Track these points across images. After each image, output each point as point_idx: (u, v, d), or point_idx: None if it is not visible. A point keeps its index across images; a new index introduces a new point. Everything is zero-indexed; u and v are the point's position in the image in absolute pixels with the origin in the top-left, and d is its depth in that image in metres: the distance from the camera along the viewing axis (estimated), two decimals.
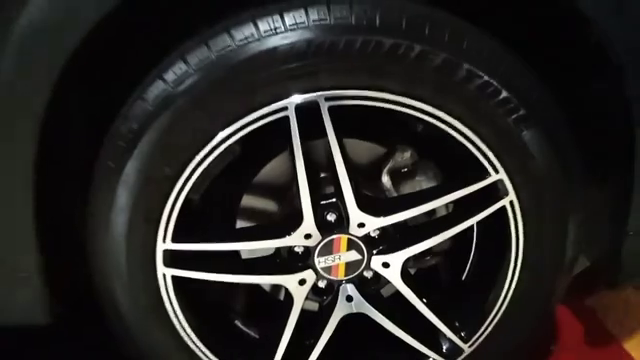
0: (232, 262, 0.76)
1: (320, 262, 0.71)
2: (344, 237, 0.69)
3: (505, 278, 0.73)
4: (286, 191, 0.74)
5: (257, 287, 0.82)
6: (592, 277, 0.89)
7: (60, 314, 0.73)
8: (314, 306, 0.78)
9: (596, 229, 0.79)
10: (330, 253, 0.70)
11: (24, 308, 0.71)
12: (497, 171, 0.66)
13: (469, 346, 0.76)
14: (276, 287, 0.81)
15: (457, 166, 0.72)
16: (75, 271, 0.76)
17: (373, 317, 0.74)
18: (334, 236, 0.69)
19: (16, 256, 0.68)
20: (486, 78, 0.62)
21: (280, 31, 0.59)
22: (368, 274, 0.74)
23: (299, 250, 0.71)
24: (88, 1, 0.57)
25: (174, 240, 0.66)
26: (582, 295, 1.07)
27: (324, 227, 0.69)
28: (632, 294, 1.07)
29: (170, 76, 0.61)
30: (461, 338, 0.76)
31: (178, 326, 0.71)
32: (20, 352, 0.95)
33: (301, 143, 0.63)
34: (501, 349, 0.79)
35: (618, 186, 0.73)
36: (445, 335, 0.76)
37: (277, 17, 0.60)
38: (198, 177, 0.64)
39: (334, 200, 0.68)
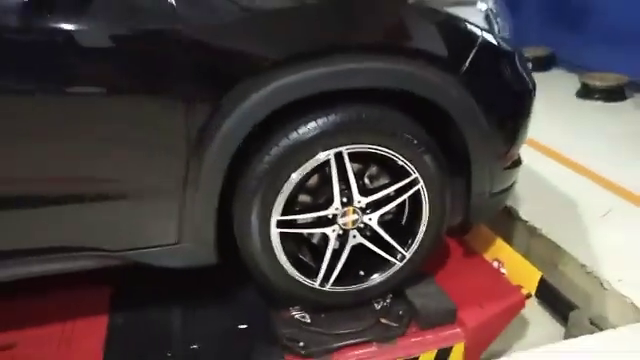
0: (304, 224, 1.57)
1: (341, 220, 1.55)
2: (350, 208, 1.54)
3: (421, 222, 1.60)
4: (324, 188, 1.57)
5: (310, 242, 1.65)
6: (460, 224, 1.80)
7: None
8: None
9: (453, 197, 1.69)
10: (345, 216, 1.55)
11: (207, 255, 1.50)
12: (414, 172, 1.53)
13: (408, 254, 1.64)
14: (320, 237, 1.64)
15: (397, 172, 1.58)
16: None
17: (364, 243, 1.59)
18: (346, 208, 1.53)
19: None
20: (408, 136, 1.49)
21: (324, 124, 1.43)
22: (362, 224, 1.58)
23: (331, 216, 1.54)
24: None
25: (281, 215, 1.48)
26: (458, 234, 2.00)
27: (342, 204, 1.53)
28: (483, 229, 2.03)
29: (284, 143, 1.42)
30: (404, 249, 1.63)
31: (281, 260, 1.53)
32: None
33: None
34: (420, 256, 1.66)
35: (466, 176, 1.64)
36: (397, 249, 1.63)
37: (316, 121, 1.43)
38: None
39: (346, 191, 1.53)
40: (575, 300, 1.96)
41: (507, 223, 2.36)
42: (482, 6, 1.56)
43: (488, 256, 1.93)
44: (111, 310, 1.69)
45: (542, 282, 1.85)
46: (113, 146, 1.33)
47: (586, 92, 3.92)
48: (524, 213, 2.35)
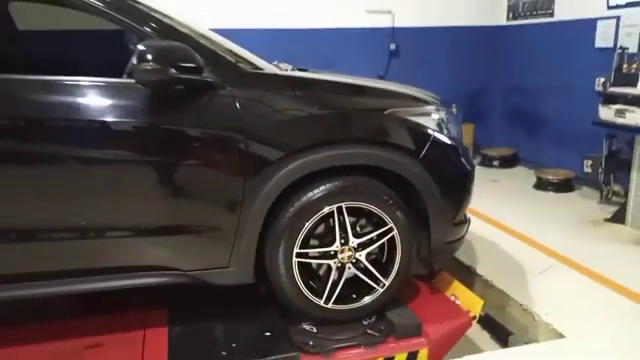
0: (314, 257, 2.25)
1: (340, 255, 2.23)
2: (347, 247, 2.23)
3: (395, 260, 2.29)
4: (328, 232, 2.26)
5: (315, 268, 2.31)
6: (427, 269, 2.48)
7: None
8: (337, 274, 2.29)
9: (422, 245, 2.38)
10: (343, 252, 2.23)
11: (247, 276, 2.17)
12: (390, 222, 2.24)
13: (387, 282, 2.30)
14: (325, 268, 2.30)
15: (378, 222, 2.28)
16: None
17: (356, 273, 2.26)
18: (344, 247, 2.23)
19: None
20: (385, 197, 2.22)
21: (328, 188, 2.17)
22: (354, 259, 2.25)
23: (333, 252, 2.23)
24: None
25: (299, 249, 2.17)
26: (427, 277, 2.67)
27: (341, 244, 2.22)
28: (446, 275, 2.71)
29: (301, 201, 2.14)
30: (384, 279, 2.29)
31: (298, 282, 2.19)
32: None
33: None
34: (396, 283, 2.31)
35: (427, 229, 2.35)
36: (380, 279, 2.29)
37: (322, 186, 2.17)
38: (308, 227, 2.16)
39: (344, 234, 2.23)
40: (514, 329, 2.60)
41: (468, 277, 3.03)
42: (435, 116, 2.36)
43: (448, 292, 2.59)
44: (169, 323, 2.31)
45: (488, 317, 2.50)
46: (195, 200, 2.06)
47: (541, 184, 4.73)
48: (481, 270, 3.04)
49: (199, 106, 2.02)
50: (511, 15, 5.60)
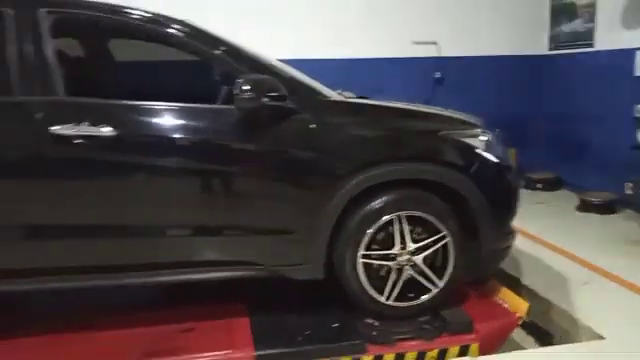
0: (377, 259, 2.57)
1: (399, 258, 2.54)
2: (405, 251, 2.55)
3: (449, 264, 2.59)
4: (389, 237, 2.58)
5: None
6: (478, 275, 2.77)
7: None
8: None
9: (474, 252, 2.68)
10: (402, 256, 2.55)
11: (318, 273, 2.51)
12: (444, 230, 2.55)
13: (441, 284, 2.59)
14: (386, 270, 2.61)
15: (434, 229, 2.58)
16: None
17: (413, 275, 2.57)
18: (403, 250, 2.55)
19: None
20: (440, 208, 2.54)
21: (389, 199, 2.51)
22: (412, 263, 2.56)
23: (393, 255, 2.54)
24: None
25: (364, 251, 2.50)
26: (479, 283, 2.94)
27: (400, 248, 2.54)
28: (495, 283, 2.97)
29: (365, 209, 2.48)
30: (439, 281, 2.59)
31: (363, 280, 2.52)
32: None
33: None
34: (449, 286, 2.61)
35: (477, 237, 2.64)
36: (435, 281, 2.59)
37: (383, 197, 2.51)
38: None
39: (403, 240, 2.54)
40: (557, 334, 2.84)
41: (514, 287, 3.27)
42: (483, 138, 2.68)
43: (496, 297, 2.86)
44: (249, 314, 2.66)
45: (533, 323, 2.74)
46: (278, 207, 2.43)
47: (584, 206, 4.91)
48: (526, 281, 3.28)
49: (282, 128, 2.41)
50: (553, 45, 5.86)
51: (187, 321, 2.60)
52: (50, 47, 2.30)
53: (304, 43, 5.23)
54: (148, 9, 2.49)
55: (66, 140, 2.21)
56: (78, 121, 2.22)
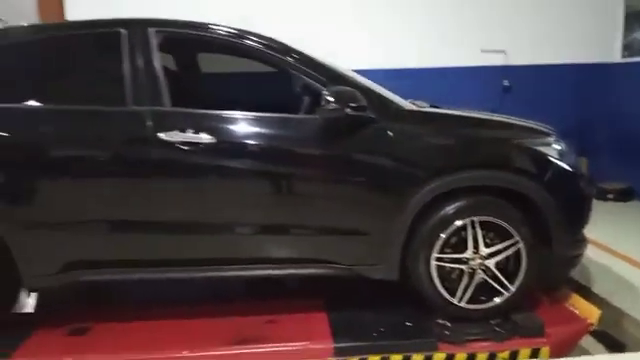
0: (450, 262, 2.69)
1: (471, 262, 2.66)
2: (478, 255, 2.65)
3: (521, 269, 2.67)
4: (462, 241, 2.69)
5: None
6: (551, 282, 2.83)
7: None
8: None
9: (546, 258, 2.74)
10: (474, 260, 2.66)
11: (393, 273, 2.66)
12: (517, 236, 2.64)
13: (513, 288, 2.68)
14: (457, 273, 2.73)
15: (506, 235, 2.67)
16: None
17: (485, 278, 2.67)
18: (475, 255, 2.65)
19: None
20: (512, 214, 2.63)
21: (461, 205, 2.63)
22: (484, 267, 2.66)
23: (465, 259, 2.66)
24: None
25: (438, 254, 2.63)
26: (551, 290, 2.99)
27: (473, 252, 2.65)
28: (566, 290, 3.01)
29: (439, 215, 2.61)
30: (511, 285, 2.67)
31: (436, 282, 2.65)
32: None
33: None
34: (521, 291, 2.68)
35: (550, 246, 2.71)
36: (506, 285, 2.68)
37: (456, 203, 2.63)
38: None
39: (475, 244, 2.65)
40: (629, 342, 2.85)
41: (585, 295, 3.28)
42: (555, 146, 2.75)
43: (567, 303, 2.91)
44: (327, 309, 2.84)
45: (604, 332, 2.78)
46: (358, 210, 2.60)
47: None
48: (597, 290, 3.29)
49: (362, 136, 2.58)
50: (627, 53, 5.74)
51: (270, 314, 2.82)
52: (157, 62, 2.59)
53: (375, 53, 5.40)
54: (235, 26, 2.74)
55: (171, 145, 2.48)
56: (182, 129, 2.49)
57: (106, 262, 2.58)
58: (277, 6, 5.27)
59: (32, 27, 2.71)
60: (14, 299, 2.71)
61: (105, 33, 2.63)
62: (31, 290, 2.81)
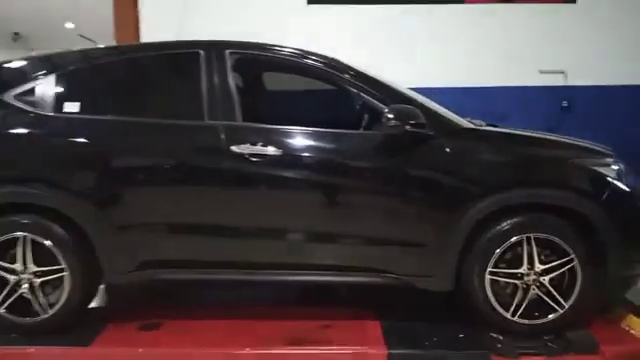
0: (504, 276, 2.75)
1: (526, 278, 2.70)
2: (532, 271, 2.70)
3: (576, 287, 2.70)
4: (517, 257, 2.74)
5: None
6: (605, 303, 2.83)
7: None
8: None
9: (602, 278, 2.75)
10: (529, 275, 2.70)
11: (447, 285, 2.75)
12: (572, 253, 2.67)
13: (567, 305, 2.70)
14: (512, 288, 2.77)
15: (561, 252, 2.70)
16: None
17: (539, 294, 2.71)
18: (530, 271, 2.70)
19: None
20: (568, 232, 2.67)
21: (517, 222, 2.69)
22: (538, 283, 2.70)
23: (520, 274, 2.71)
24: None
25: (492, 268, 2.70)
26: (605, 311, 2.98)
27: (528, 268, 2.69)
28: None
29: (494, 230, 2.68)
30: (565, 302, 2.70)
31: (489, 295, 2.71)
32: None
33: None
34: (574, 309, 2.69)
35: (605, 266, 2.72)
36: (561, 302, 2.70)
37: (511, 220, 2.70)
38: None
39: (530, 260, 2.69)
40: None
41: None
42: (614, 167, 2.77)
43: (623, 324, 2.89)
44: (379, 318, 2.95)
45: None
46: (414, 221, 2.71)
47: None
48: None
49: (421, 152, 2.71)
50: None
51: (325, 319, 2.96)
52: (231, 81, 2.82)
53: (432, 72, 5.50)
54: (299, 47, 2.96)
55: (242, 157, 2.69)
56: (253, 142, 2.70)
57: (178, 262, 2.81)
58: (345, 29, 5.48)
59: (124, 47, 3.01)
60: (95, 293, 2.98)
61: (186, 54, 2.89)
62: (110, 285, 3.06)
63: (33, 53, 3.36)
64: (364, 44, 5.40)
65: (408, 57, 5.45)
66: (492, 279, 2.71)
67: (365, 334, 2.82)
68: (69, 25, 10.27)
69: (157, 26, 5.17)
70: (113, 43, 5.21)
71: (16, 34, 11.20)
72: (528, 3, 5.64)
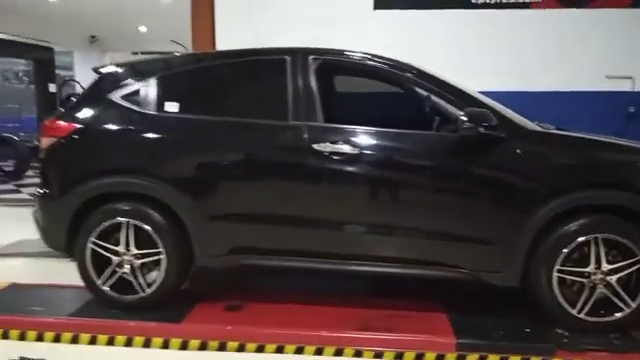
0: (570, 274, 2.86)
1: (593, 277, 2.81)
2: (600, 270, 2.80)
3: None
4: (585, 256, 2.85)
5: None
6: None
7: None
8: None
9: None
10: (596, 275, 2.80)
11: (515, 281, 2.89)
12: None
13: (634, 305, 2.79)
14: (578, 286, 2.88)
15: (629, 253, 2.79)
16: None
17: (606, 293, 2.80)
18: (597, 270, 2.80)
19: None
20: (636, 234, 2.76)
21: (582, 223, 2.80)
22: (605, 282, 2.80)
23: (587, 273, 2.81)
24: None
25: (560, 266, 2.82)
26: None
27: (595, 267, 2.80)
28: None
29: (561, 231, 2.80)
30: (632, 302, 2.79)
31: (556, 292, 2.83)
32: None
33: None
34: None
35: None
36: (627, 301, 2.79)
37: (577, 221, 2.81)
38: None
39: (598, 260, 2.80)
40: None
41: None
42: None
43: None
44: (446, 311, 3.12)
45: None
46: (485, 219, 2.87)
47: None
48: None
49: (492, 153, 2.87)
50: None
51: (394, 309, 3.16)
52: (314, 84, 3.06)
53: (501, 76, 5.58)
54: (374, 53, 3.19)
55: (323, 155, 2.93)
56: (333, 141, 2.93)
57: (263, 250, 3.07)
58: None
59: (217, 53, 3.31)
60: (187, 275, 3.28)
61: (274, 60, 3.16)
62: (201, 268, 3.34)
63: (139, 57, 3.70)
64: (430, 49, 5.53)
65: (478, 61, 5.55)
66: (559, 277, 2.83)
67: (434, 324, 3.00)
68: (142, 28, 10.91)
69: (232, 36, 5.48)
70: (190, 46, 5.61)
71: (93, 37, 12.02)
72: (593, 8, 5.62)
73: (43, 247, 4.61)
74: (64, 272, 3.70)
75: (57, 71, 12.00)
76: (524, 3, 5.71)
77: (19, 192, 8.06)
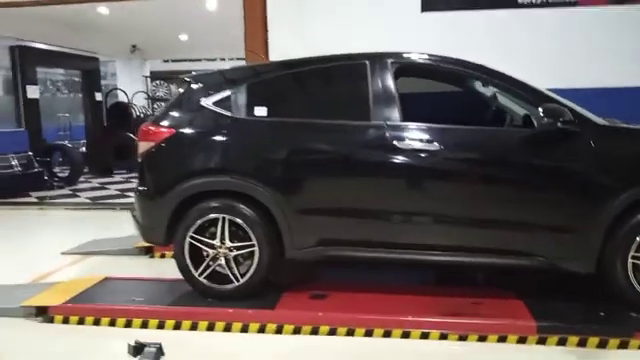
0: None
1: None
2: None
3: None
4: None
5: None
6: None
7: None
8: None
9: None
10: None
11: (590, 267, 3.07)
12: None
13: None
14: None
15: None
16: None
17: None
18: None
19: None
20: None
21: None
22: None
23: None
24: None
25: (634, 252, 2.99)
26: None
27: None
28: None
29: (634, 220, 2.98)
30: None
31: (631, 277, 3.00)
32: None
33: None
34: None
35: None
36: None
37: None
38: None
39: None
40: None
41: None
42: None
43: None
44: (522, 298, 3.30)
45: None
46: (563, 209, 3.06)
47: None
48: None
49: (569, 147, 3.05)
50: None
51: (474, 297, 3.35)
52: (392, 85, 3.28)
53: (554, 74, 5.69)
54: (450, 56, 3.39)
55: (405, 151, 3.15)
56: (413, 139, 3.15)
57: (349, 241, 3.29)
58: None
59: (301, 60, 3.55)
60: (277, 266, 3.52)
61: (355, 64, 3.39)
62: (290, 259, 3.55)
63: (229, 66, 3.98)
64: (476, 48, 5.68)
65: (524, 60, 5.68)
66: (634, 263, 2.99)
67: (513, 310, 3.18)
68: (183, 37, 11.26)
69: (284, 45, 5.71)
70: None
71: (134, 46, 12.43)
72: None
73: (113, 246, 4.96)
74: (142, 268, 4.03)
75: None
76: (570, 2, 5.83)
77: (77, 196, 8.45)
